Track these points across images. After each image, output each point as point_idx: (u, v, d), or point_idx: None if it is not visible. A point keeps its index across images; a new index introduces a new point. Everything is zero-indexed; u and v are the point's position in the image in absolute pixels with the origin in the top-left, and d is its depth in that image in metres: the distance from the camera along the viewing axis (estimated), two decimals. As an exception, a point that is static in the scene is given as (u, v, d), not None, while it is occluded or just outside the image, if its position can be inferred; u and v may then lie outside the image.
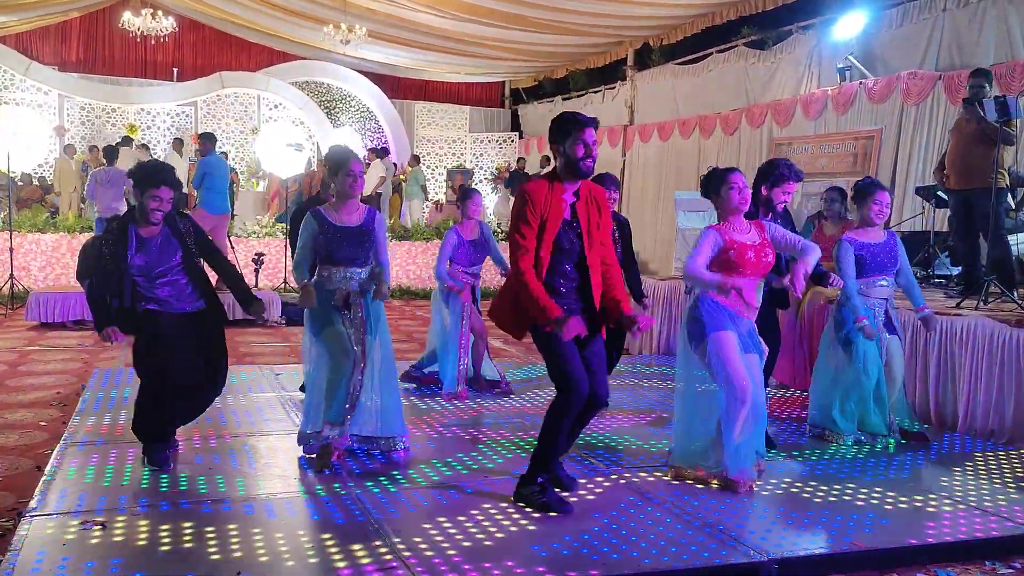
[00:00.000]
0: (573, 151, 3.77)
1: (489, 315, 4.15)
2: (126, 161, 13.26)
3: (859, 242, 5.04)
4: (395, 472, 4.39)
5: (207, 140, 11.19)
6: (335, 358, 4.43)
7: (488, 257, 6.43)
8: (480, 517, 3.76)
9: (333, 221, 4.44)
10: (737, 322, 4.24)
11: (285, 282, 11.97)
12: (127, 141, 15.10)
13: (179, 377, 4.39)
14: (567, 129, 3.80)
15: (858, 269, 5.02)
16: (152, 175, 4.34)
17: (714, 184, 4.31)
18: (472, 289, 6.31)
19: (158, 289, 4.38)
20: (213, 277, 4.67)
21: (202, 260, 4.54)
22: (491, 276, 13.48)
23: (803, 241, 4.37)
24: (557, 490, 4.01)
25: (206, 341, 4.52)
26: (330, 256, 4.46)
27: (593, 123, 3.83)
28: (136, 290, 4.37)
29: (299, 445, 4.62)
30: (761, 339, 4.39)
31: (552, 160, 3.93)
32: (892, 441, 5.09)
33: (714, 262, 4.21)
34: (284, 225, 12.57)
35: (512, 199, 9.52)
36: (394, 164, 17.31)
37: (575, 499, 4.00)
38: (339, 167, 4.43)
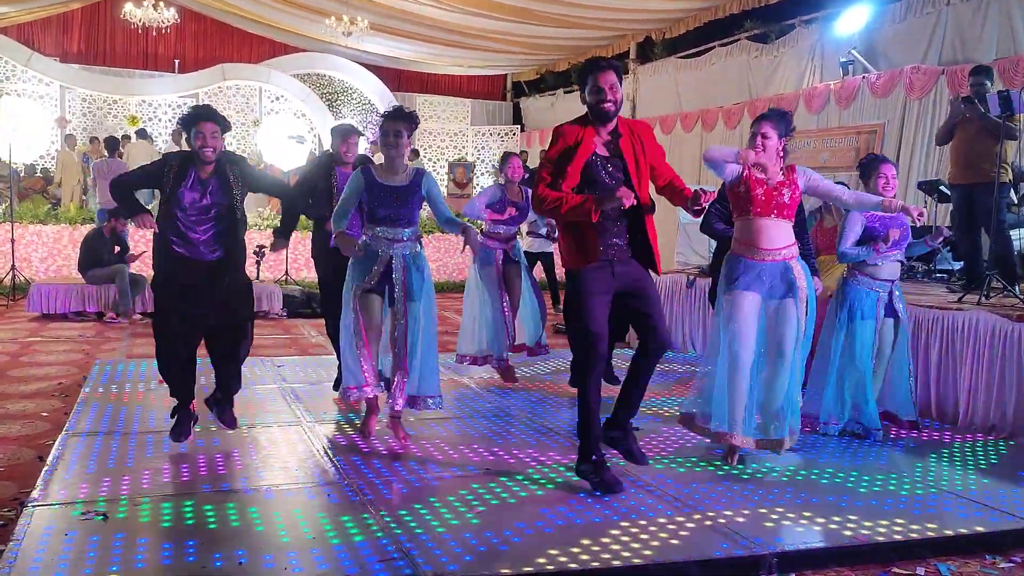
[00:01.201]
0: (592, 97, 3.88)
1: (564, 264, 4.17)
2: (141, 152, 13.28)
3: (872, 214, 5.02)
4: (395, 461, 4.41)
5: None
6: (352, 322, 4.62)
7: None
8: (473, 500, 3.78)
9: (380, 180, 4.59)
10: (762, 276, 4.35)
11: (287, 275, 11.98)
12: (122, 140, 15.07)
13: (195, 323, 4.54)
14: (583, 76, 3.93)
15: (871, 242, 5.00)
16: (192, 114, 4.52)
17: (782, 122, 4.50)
18: (506, 255, 6.35)
19: (192, 232, 4.48)
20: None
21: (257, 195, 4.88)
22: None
23: (838, 189, 4.69)
24: (627, 459, 4.19)
25: (226, 289, 4.58)
26: (372, 214, 4.60)
27: (611, 66, 3.90)
28: (172, 226, 4.47)
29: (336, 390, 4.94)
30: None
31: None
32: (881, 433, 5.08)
33: (729, 192, 4.43)
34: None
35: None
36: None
37: (586, 485, 4.03)
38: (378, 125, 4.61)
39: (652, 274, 4.08)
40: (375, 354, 4.70)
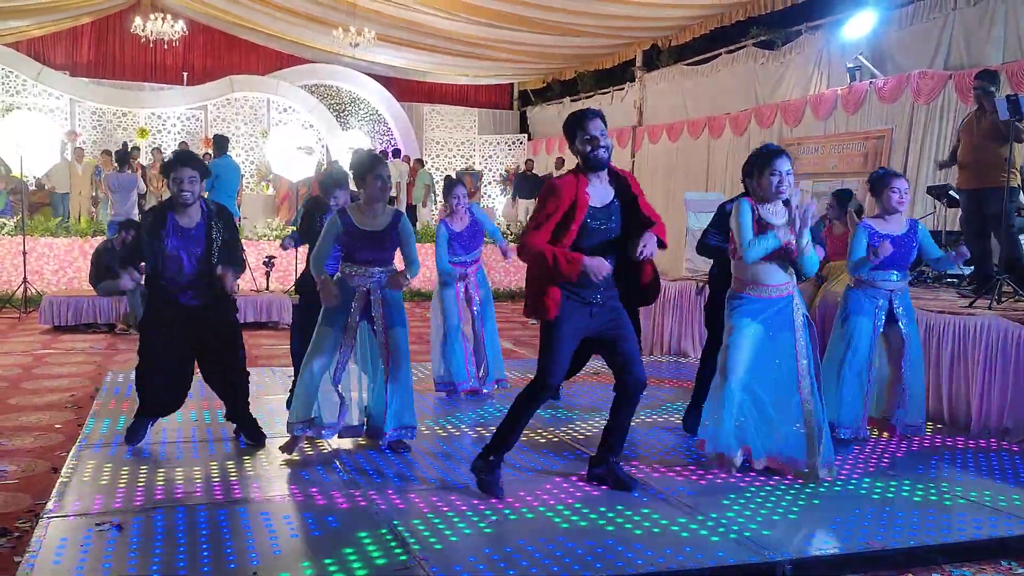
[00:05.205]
0: (583, 146, 3.91)
1: (524, 313, 4.18)
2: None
3: (875, 231, 5.01)
4: (407, 472, 4.42)
5: (220, 143, 11.26)
6: (315, 356, 4.58)
7: (483, 244, 6.39)
8: (486, 510, 3.78)
9: (357, 224, 4.55)
10: (765, 308, 4.34)
11: (296, 285, 11.99)
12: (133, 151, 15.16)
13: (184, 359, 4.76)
14: (572, 127, 3.96)
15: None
16: (173, 159, 4.68)
17: (757, 166, 4.33)
18: (465, 279, 6.17)
19: (174, 275, 4.62)
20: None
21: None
22: (500, 278, 13.46)
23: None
24: (617, 488, 4.12)
25: (211, 335, 4.74)
26: (352, 256, 4.60)
27: (596, 115, 3.94)
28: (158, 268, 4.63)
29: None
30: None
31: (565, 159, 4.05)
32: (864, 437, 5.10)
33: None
34: (294, 228, 12.57)
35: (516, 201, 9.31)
36: (407, 166, 17.33)
37: (598, 493, 4.02)
38: (368, 171, 4.51)
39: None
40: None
